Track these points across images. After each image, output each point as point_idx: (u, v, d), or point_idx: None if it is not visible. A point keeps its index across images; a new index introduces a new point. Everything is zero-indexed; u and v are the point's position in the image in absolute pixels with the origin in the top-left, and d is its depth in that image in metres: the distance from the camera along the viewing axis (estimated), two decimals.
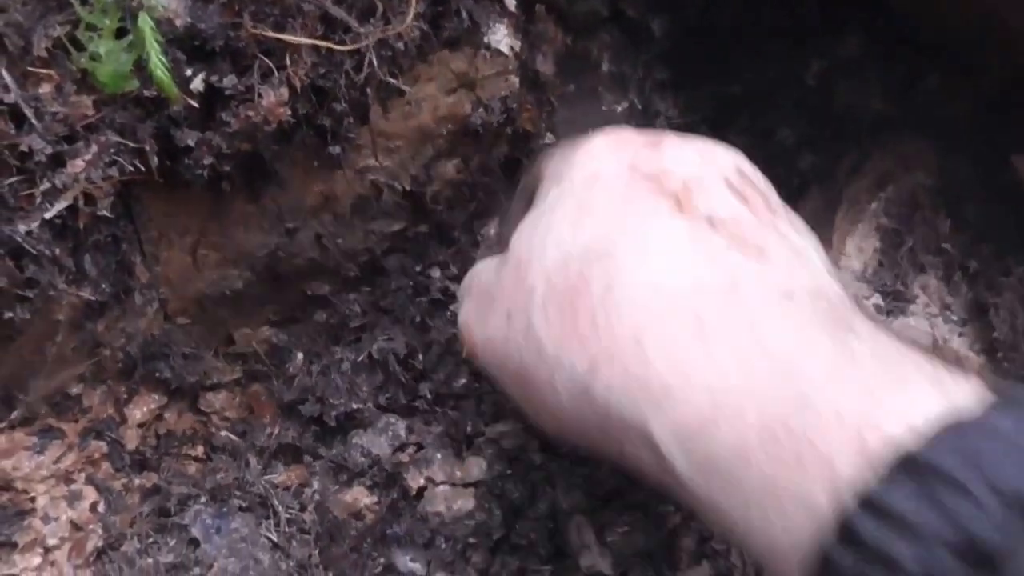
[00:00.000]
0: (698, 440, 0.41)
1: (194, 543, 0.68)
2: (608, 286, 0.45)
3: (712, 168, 0.51)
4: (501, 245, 0.57)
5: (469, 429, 0.76)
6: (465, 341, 0.57)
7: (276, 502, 0.70)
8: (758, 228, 0.48)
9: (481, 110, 0.72)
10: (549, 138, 0.83)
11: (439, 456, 0.75)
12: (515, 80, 0.72)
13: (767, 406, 0.39)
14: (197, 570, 0.67)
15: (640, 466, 0.45)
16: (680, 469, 0.42)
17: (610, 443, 0.46)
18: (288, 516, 0.70)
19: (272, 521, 0.70)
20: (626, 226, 0.47)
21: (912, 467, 0.34)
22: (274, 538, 0.69)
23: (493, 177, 0.79)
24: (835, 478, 0.35)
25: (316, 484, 0.74)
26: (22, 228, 0.55)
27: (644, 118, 0.89)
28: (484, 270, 0.57)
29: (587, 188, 0.51)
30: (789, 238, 0.48)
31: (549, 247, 0.49)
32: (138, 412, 0.73)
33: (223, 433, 0.74)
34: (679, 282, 0.44)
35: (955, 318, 0.78)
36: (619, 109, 0.90)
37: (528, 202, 0.57)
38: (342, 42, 0.60)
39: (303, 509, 0.72)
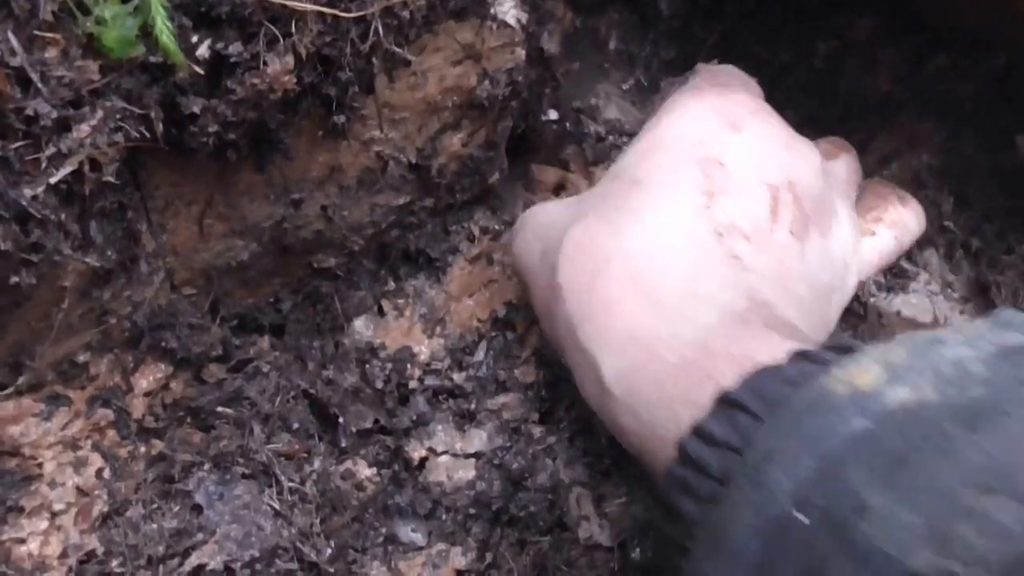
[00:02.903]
0: (631, 376, 0.54)
1: (197, 509, 0.69)
2: (615, 248, 0.57)
3: (767, 175, 0.59)
4: None
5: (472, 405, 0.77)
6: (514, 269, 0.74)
7: (278, 471, 0.71)
8: (756, 243, 0.57)
9: (487, 82, 0.72)
10: (553, 114, 0.84)
11: (440, 428, 0.76)
12: (521, 53, 0.72)
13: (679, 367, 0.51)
14: (200, 536, 0.68)
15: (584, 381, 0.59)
16: (614, 392, 0.55)
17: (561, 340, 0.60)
18: (290, 485, 0.71)
19: (274, 489, 0.70)
20: (648, 210, 0.57)
21: (725, 401, 0.47)
22: (276, 506, 0.70)
23: (498, 151, 0.79)
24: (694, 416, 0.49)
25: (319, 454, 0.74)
26: (27, 192, 0.55)
27: (650, 96, 0.89)
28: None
29: (655, 146, 0.61)
30: (783, 255, 0.58)
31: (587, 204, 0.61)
32: (144, 381, 0.73)
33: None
34: (657, 272, 0.55)
35: (956, 296, 0.78)
36: (625, 87, 0.90)
37: None
38: (348, 9, 0.60)
39: (305, 479, 0.73)
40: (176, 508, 0.69)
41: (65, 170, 0.56)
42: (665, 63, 0.91)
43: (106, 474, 0.70)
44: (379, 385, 0.77)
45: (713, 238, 0.56)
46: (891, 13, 0.86)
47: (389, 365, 0.78)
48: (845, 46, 0.88)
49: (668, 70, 0.91)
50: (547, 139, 0.85)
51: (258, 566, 0.67)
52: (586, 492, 0.72)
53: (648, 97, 0.89)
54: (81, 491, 0.69)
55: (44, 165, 0.56)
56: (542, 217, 0.67)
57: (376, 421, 0.76)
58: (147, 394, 0.74)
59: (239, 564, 0.67)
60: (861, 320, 0.77)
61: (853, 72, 0.87)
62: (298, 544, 0.69)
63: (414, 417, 0.76)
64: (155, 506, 0.69)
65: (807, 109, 0.86)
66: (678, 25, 0.91)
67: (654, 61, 0.91)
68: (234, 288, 0.77)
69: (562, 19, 0.84)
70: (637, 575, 0.70)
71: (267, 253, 0.75)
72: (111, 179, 0.59)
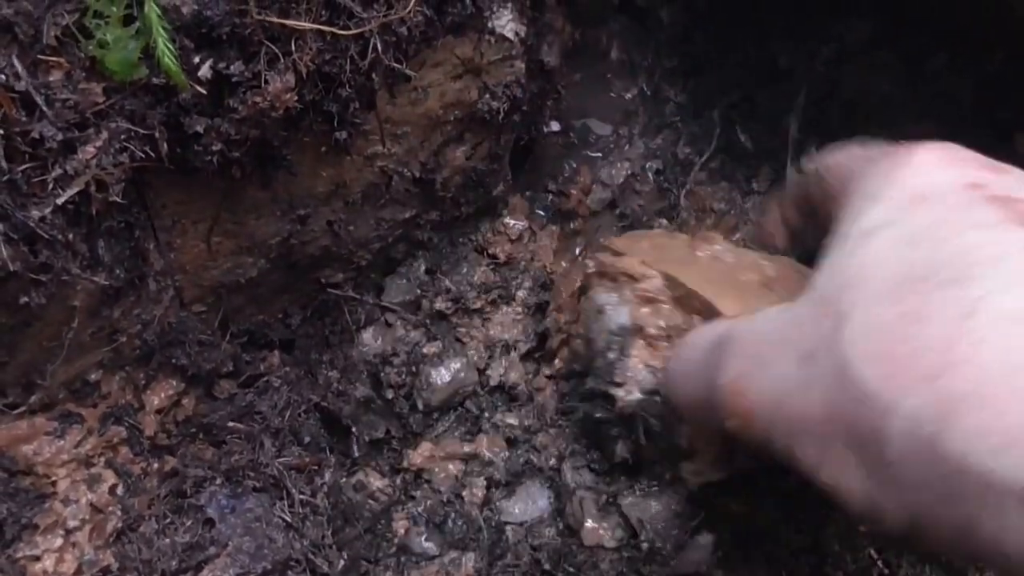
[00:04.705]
0: None
1: (210, 523, 0.69)
2: (966, 314, 0.38)
3: None
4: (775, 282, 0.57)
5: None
6: (733, 408, 0.48)
7: (289, 483, 0.71)
8: None
9: (488, 96, 0.73)
10: (555, 126, 0.84)
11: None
12: (521, 66, 0.73)
13: None
14: (213, 549, 0.68)
15: (1000, 538, 0.37)
16: None
17: (955, 506, 0.38)
18: (302, 497, 0.71)
19: (286, 502, 0.71)
20: (978, 249, 0.41)
21: None
22: (288, 519, 0.70)
23: (501, 163, 0.79)
24: None
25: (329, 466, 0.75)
26: (35, 214, 0.56)
27: (654, 104, 0.90)
28: (755, 326, 0.50)
29: (917, 207, 0.45)
30: None
31: (870, 276, 0.43)
32: (156, 398, 0.74)
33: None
34: None
35: None
36: (628, 96, 0.90)
37: (816, 227, 0.54)
38: (346, 27, 0.61)
39: (316, 491, 0.73)
40: (189, 522, 0.70)
41: (72, 191, 0.57)
42: (667, 71, 0.92)
43: (119, 490, 0.71)
44: (389, 395, 0.78)
45: None
46: (891, 13, 0.86)
47: (398, 375, 0.79)
48: (846, 50, 0.88)
49: (671, 78, 0.92)
50: (550, 150, 0.86)
51: None
52: (589, 495, 0.72)
53: (651, 107, 0.90)
54: (95, 508, 0.69)
55: (51, 186, 0.56)
56: (759, 327, 0.51)
57: (387, 431, 0.77)
58: (159, 411, 0.74)
59: None
60: None
61: (853, 75, 0.87)
62: (310, 556, 0.69)
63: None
64: (168, 521, 0.70)
65: (808, 113, 0.87)
66: (680, 34, 0.92)
67: (656, 70, 0.92)
68: (243, 304, 0.77)
69: (561, 31, 0.84)
70: (650, 566, 0.70)
71: (275, 269, 0.75)
72: (117, 199, 0.60)
